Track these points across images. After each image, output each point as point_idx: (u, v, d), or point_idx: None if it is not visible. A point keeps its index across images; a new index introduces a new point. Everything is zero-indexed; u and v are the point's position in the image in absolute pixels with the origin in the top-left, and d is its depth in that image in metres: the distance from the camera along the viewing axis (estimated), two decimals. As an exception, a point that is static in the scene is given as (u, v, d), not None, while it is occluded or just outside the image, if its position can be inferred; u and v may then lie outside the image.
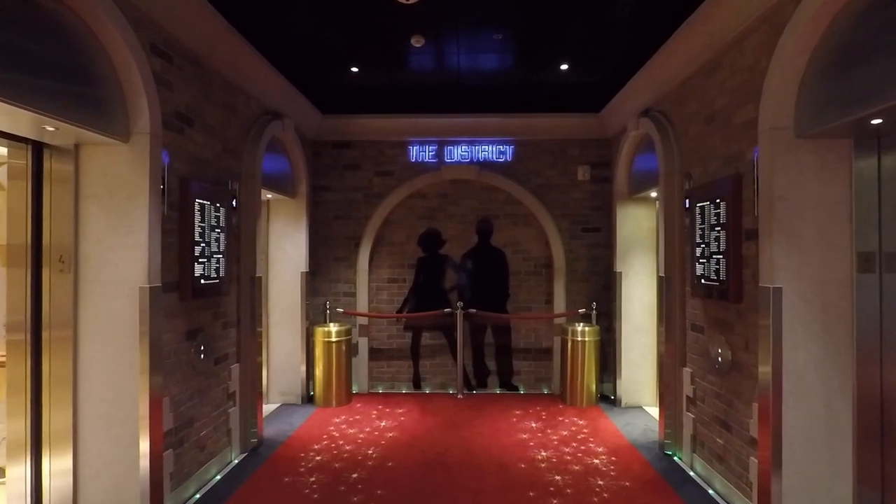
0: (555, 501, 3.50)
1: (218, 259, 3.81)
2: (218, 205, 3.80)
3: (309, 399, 5.88)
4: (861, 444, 2.83)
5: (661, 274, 4.42)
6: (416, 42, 4.25)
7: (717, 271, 3.53)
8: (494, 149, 6.18)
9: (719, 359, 3.59)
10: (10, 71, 2.25)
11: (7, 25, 2.25)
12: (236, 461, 4.19)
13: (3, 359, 2.95)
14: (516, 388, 6.30)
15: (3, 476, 3.01)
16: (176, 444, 3.37)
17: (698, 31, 3.68)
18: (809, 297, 2.91)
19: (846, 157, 2.88)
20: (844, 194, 2.89)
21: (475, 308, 6.14)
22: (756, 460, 3.09)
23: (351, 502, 3.50)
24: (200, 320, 3.70)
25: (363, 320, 6.21)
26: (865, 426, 2.81)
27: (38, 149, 2.91)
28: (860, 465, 2.84)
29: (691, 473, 3.96)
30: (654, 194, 5.32)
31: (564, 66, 4.80)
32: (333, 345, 5.68)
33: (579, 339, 5.67)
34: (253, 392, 4.41)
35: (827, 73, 2.65)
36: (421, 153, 6.19)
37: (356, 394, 6.11)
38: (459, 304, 6.07)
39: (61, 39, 2.55)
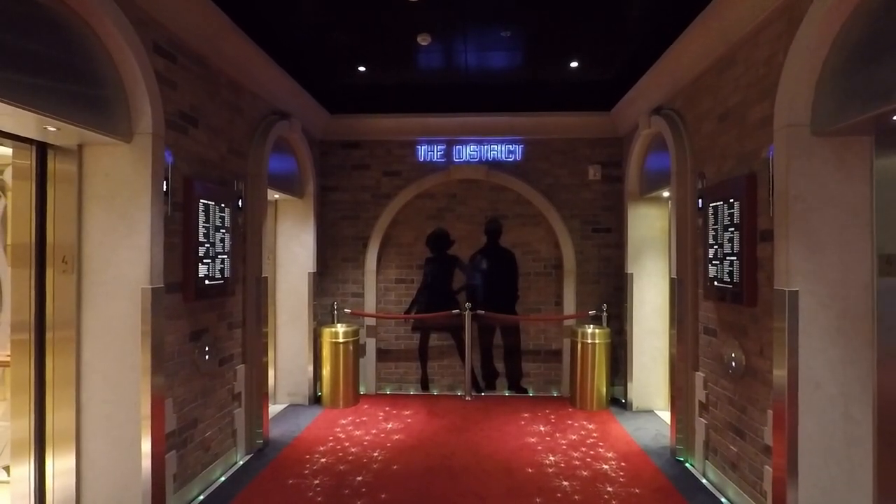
0: (562, 508, 3.43)
1: (223, 260, 3.79)
2: (223, 205, 3.79)
3: (316, 400, 5.87)
4: (882, 456, 2.71)
5: (674, 276, 4.31)
6: (423, 40, 4.20)
7: (730, 273, 3.43)
8: (503, 148, 6.10)
9: (733, 363, 3.48)
10: (12, 71, 2.24)
11: (8, 26, 2.24)
12: (241, 462, 4.18)
13: (8, 359, 2.96)
14: (525, 391, 6.22)
15: (8, 475, 3.02)
16: (179, 444, 3.36)
17: (712, 25, 3.57)
18: (827, 301, 2.80)
19: (866, 155, 2.76)
20: (864, 194, 2.77)
21: (484, 309, 6.07)
22: (770, 469, 2.99)
23: (354, 506, 3.46)
24: (205, 321, 3.69)
25: (371, 321, 6.18)
26: (886, 437, 2.69)
27: (42, 149, 2.92)
28: (881, 478, 2.72)
29: (703, 481, 3.85)
30: (666, 194, 5.21)
31: (574, 64, 4.72)
32: (341, 345, 5.65)
33: (589, 341, 5.57)
34: (258, 393, 4.39)
35: (847, 66, 2.54)
36: (429, 153, 6.14)
37: (364, 395, 6.08)
38: (468, 305, 6.00)
39: (62, 40, 2.54)
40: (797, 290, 2.80)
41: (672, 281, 4.35)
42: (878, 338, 2.71)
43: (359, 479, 3.85)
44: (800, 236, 2.81)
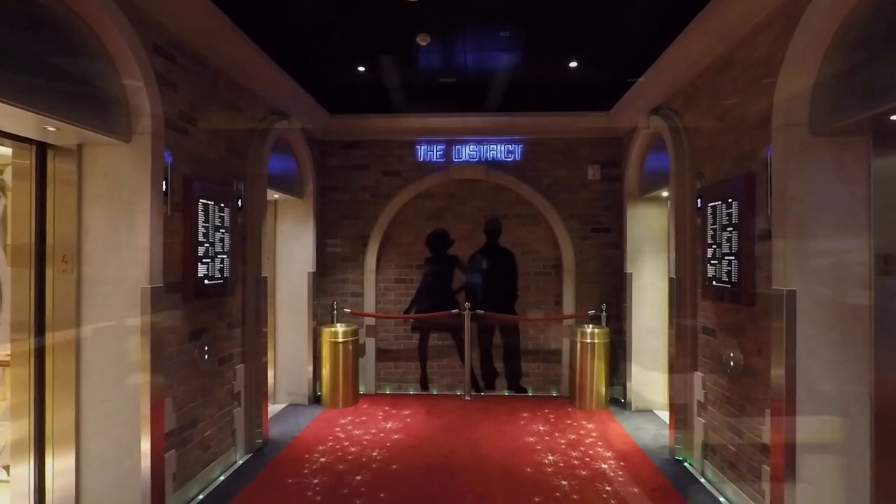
0: (560, 507, 3.44)
1: (222, 259, 3.80)
2: (222, 205, 3.79)
3: (316, 399, 5.87)
4: (879, 456, 2.72)
5: (672, 275, 4.32)
6: (422, 41, 4.20)
7: (729, 273, 3.43)
8: (503, 148, 6.11)
9: (731, 363, 3.49)
10: (12, 71, 2.25)
11: (8, 26, 2.24)
12: (241, 462, 4.18)
13: (8, 359, 2.97)
14: (525, 391, 6.23)
15: (8, 474, 3.02)
16: (179, 444, 3.37)
17: (711, 25, 3.58)
18: (825, 300, 2.80)
19: (864, 155, 2.77)
20: (862, 194, 2.78)
21: (483, 309, 6.08)
22: (769, 468, 3.00)
23: (353, 505, 3.47)
24: (204, 321, 3.69)
25: (370, 321, 6.19)
26: (884, 436, 2.69)
27: (41, 149, 2.92)
28: (878, 478, 2.73)
29: (702, 480, 3.86)
30: (665, 194, 5.22)
31: (573, 64, 4.72)
32: (340, 345, 5.66)
33: (589, 341, 5.58)
34: (258, 392, 4.39)
35: (844, 67, 2.54)
36: (429, 153, 6.15)
37: (363, 394, 6.09)
38: (467, 304, 6.01)
39: (62, 39, 2.54)
40: (795, 290, 2.81)
41: (671, 281, 4.36)
42: (875, 337, 2.72)
43: (358, 478, 3.86)
44: (797, 236, 2.81)
